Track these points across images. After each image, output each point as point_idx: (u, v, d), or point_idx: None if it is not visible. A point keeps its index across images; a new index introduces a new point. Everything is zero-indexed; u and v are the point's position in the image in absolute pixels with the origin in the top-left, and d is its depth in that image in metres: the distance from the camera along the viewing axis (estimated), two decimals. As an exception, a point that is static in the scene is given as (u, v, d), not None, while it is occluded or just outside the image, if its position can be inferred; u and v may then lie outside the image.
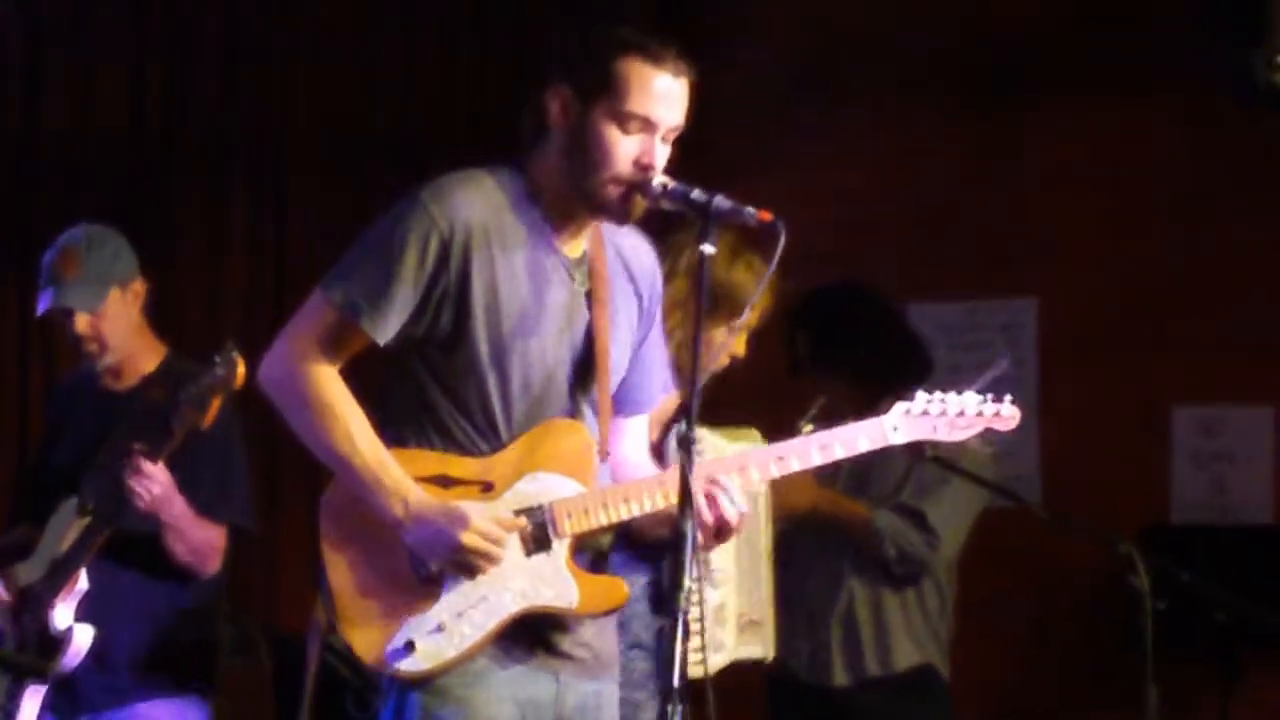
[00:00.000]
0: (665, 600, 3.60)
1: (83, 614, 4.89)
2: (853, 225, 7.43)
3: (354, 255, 3.75)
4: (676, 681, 3.37)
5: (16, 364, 7.81)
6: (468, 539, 3.66)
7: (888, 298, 5.77)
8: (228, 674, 5.51)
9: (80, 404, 5.21)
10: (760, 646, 4.72)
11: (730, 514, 3.75)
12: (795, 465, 3.87)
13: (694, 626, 4.13)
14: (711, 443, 4.39)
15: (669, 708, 3.36)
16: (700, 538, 3.70)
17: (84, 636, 4.86)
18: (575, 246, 3.82)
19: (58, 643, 4.84)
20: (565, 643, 3.81)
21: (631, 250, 3.92)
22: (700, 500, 3.69)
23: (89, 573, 4.89)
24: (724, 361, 4.61)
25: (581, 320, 3.82)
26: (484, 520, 3.67)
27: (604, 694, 3.89)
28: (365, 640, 3.72)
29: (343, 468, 3.71)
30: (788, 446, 3.88)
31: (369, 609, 3.72)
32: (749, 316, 4.51)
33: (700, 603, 4.24)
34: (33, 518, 5.10)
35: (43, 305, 5.12)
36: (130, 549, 4.93)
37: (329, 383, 3.71)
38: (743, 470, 3.82)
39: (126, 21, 7.83)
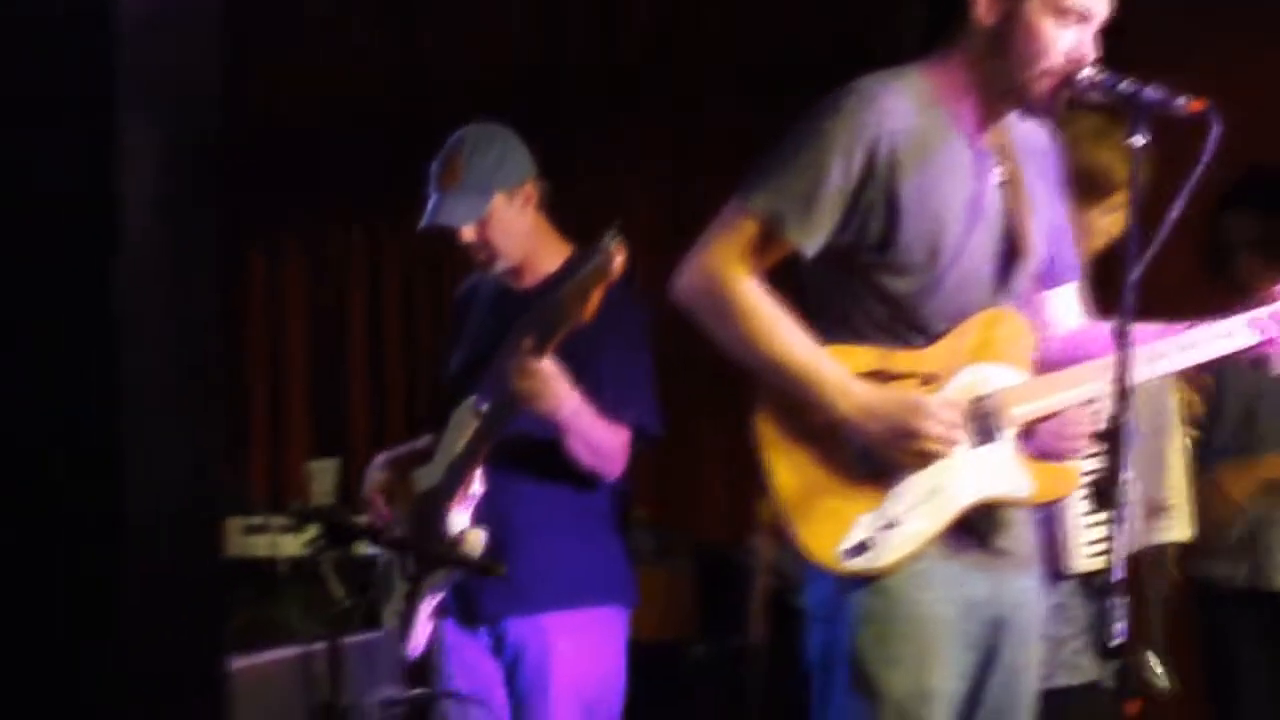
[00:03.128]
0: (1105, 494, 3.53)
1: (479, 518, 4.63)
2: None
3: (774, 163, 3.68)
4: (1117, 575, 3.33)
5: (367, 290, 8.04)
6: (928, 425, 3.63)
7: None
8: (651, 581, 5.52)
9: (480, 306, 5.00)
10: (1176, 529, 4.60)
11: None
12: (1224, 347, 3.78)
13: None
14: None
15: (1110, 602, 3.33)
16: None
17: (476, 540, 4.58)
18: (990, 139, 3.78)
19: (451, 547, 4.56)
20: (1001, 538, 3.77)
21: (1031, 132, 3.86)
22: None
23: (490, 477, 4.66)
24: (1099, 245, 4.52)
25: (1001, 210, 3.78)
26: (941, 406, 3.66)
27: (1031, 590, 3.85)
28: (815, 540, 3.70)
29: (778, 372, 3.68)
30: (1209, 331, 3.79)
31: (817, 508, 3.70)
32: (1122, 196, 4.39)
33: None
34: (437, 424, 4.90)
35: (424, 219, 4.86)
36: (530, 452, 4.70)
37: (752, 290, 3.66)
38: (1156, 360, 3.76)
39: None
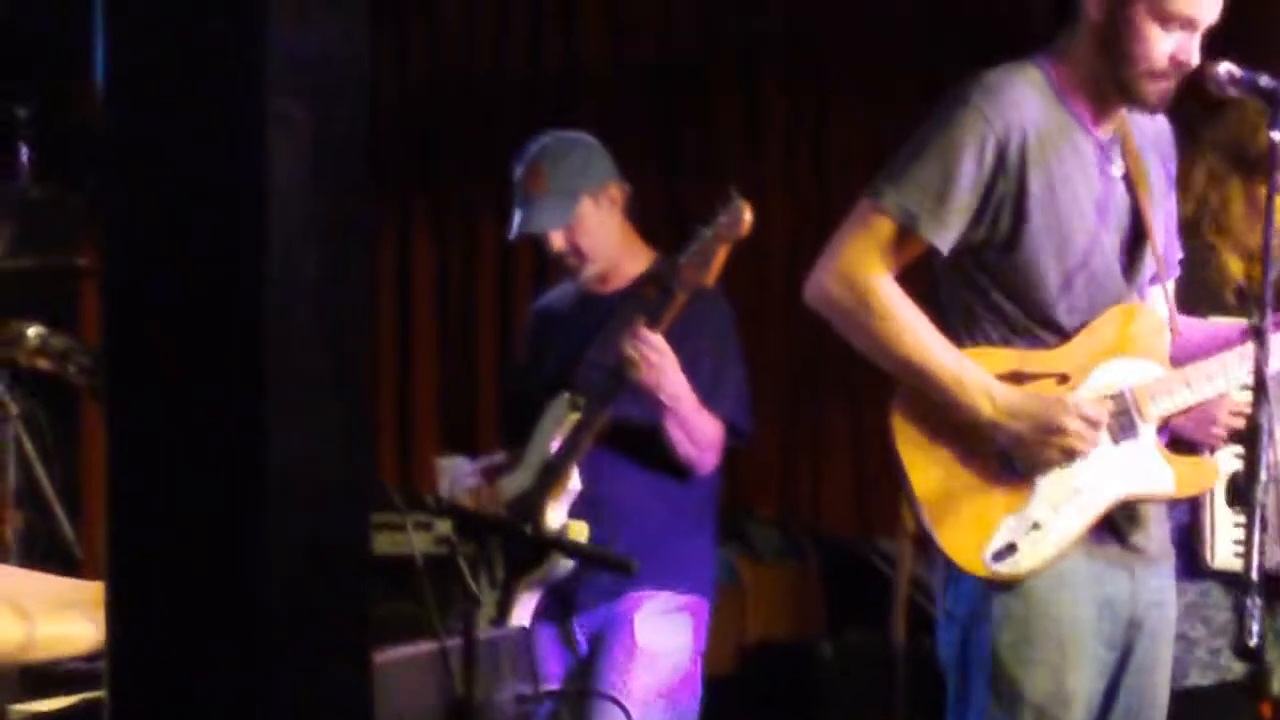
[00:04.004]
0: (1241, 492, 3.50)
1: (575, 510, 4.67)
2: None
3: (905, 161, 3.67)
4: (1255, 574, 3.30)
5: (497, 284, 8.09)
6: (1071, 421, 3.61)
7: None
8: (777, 579, 5.53)
9: (563, 317, 5.01)
10: None
11: None
12: None
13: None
14: None
15: (1248, 600, 3.30)
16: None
17: (579, 531, 4.63)
18: (1108, 130, 3.76)
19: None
20: (1136, 535, 3.75)
21: (1148, 122, 3.84)
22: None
23: (583, 472, 4.69)
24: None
25: (1125, 203, 3.76)
26: (1083, 403, 3.65)
27: (1167, 588, 3.82)
28: (959, 543, 3.67)
29: (917, 374, 3.66)
30: None
31: (959, 511, 3.67)
32: None
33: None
34: (521, 433, 4.91)
35: (513, 228, 4.93)
36: (627, 441, 4.74)
37: (889, 290, 3.65)
38: None
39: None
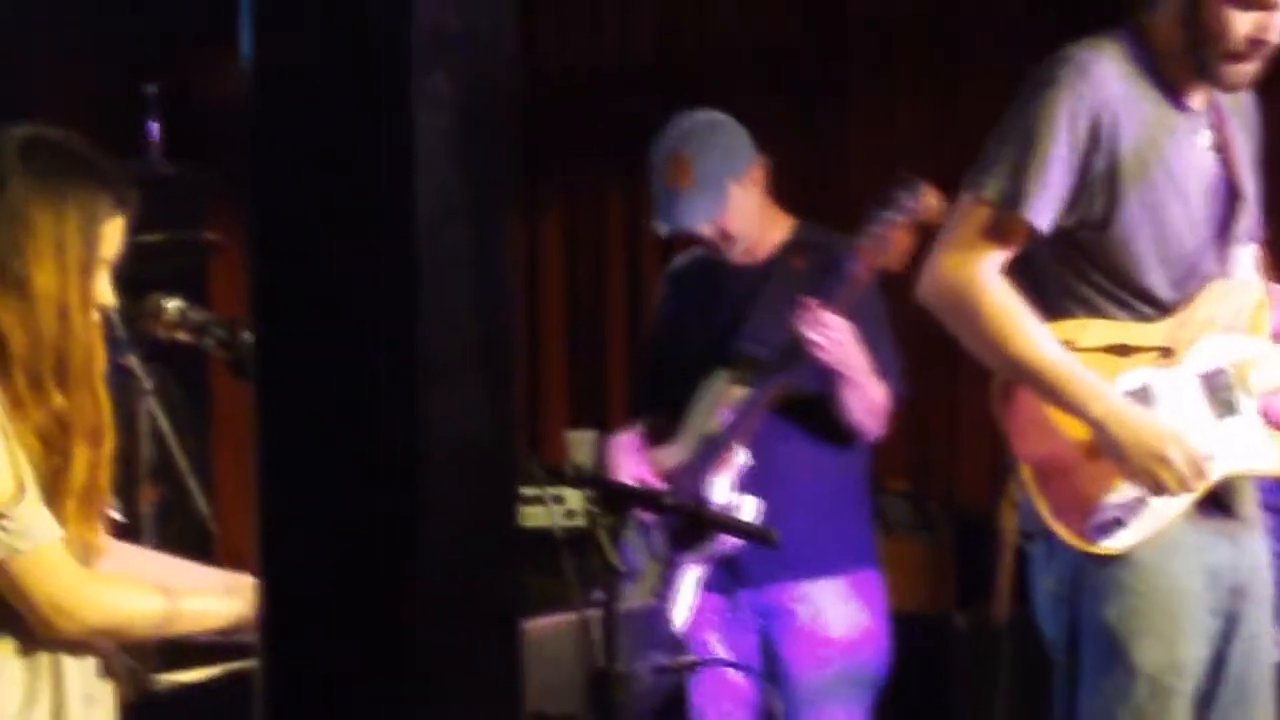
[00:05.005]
0: None
1: (743, 488, 4.66)
2: None
3: (996, 147, 3.67)
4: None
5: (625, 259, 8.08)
6: (1176, 457, 3.58)
7: None
8: (910, 552, 5.52)
9: (703, 286, 4.98)
10: None
11: None
12: None
13: None
14: None
15: None
16: None
17: (751, 507, 4.62)
18: (1196, 101, 3.73)
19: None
20: (1240, 505, 3.74)
21: (1234, 95, 3.80)
22: None
23: (749, 446, 4.68)
24: None
25: (1217, 175, 3.73)
26: (1193, 451, 3.60)
27: (1261, 553, 3.81)
28: (1064, 518, 3.68)
29: (1026, 373, 3.64)
30: None
31: (1064, 485, 3.68)
32: None
33: None
34: (662, 405, 4.93)
35: (662, 226, 4.89)
36: (795, 413, 4.72)
37: (997, 289, 3.63)
38: None
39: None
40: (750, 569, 4.73)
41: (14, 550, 2.94)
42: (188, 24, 7.91)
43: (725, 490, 4.65)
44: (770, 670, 4.77)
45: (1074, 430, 3.66)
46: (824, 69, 7.83)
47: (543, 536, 3.07)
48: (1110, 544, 3.63)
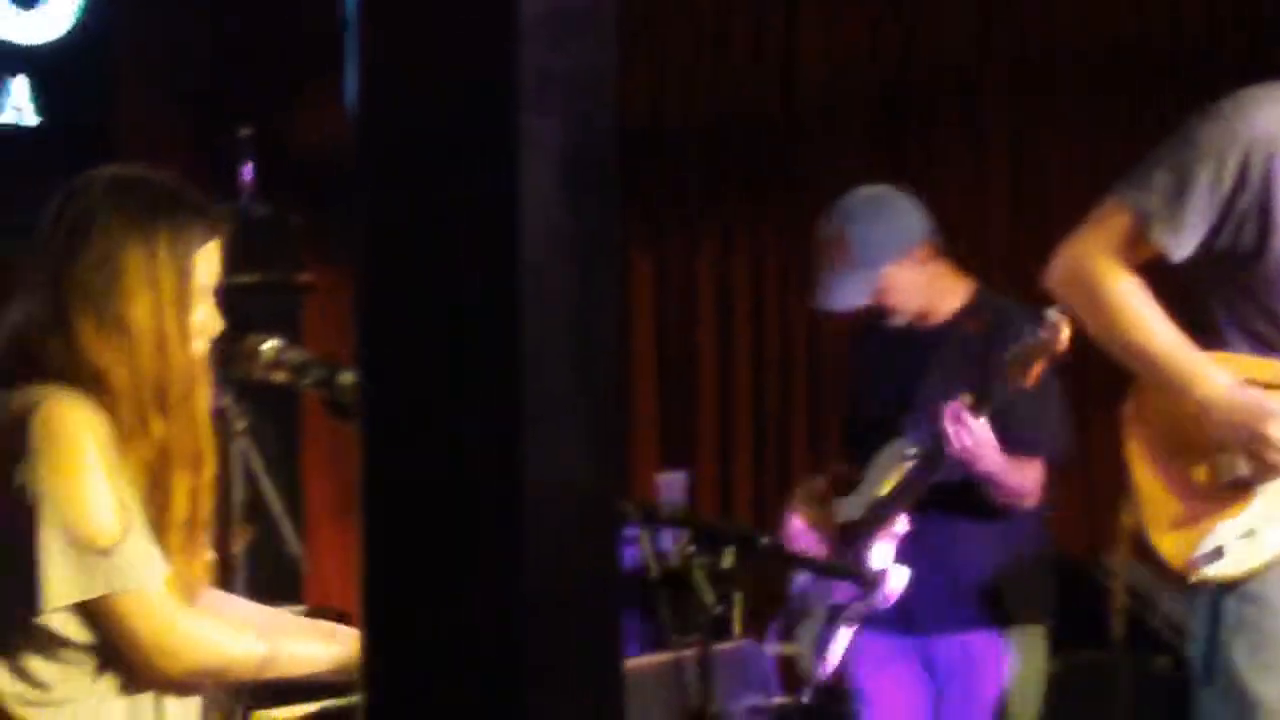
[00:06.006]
0: None
1: (905, 554, 4.90)
2: None
3: (1151, 165, 3.73)
4: None
5: (715, 299, 8.08)
6: (1274, 432, 3.62)
7: None
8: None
9: (885, 346, 5.14)
10: None
11: None
12: None
13: None
14: None
15: None
16: None
17: (898, 579, 4.85)
18: None
19: (874, 580, 4.81)
20: None
21: None
22: None
23: (917, 515, 4.90)
24: None
25: None
26: None
27: None
28: (1172, 543, 3.74)
29: (1145, 363, 3.73)
30: None
31: (1177, 513, 3.73)
32: None
33: None
34: (853, 459, 5.16)
35: (818, 296, 5.08)
36: (955, 494, 4.91)
37: (1123, 284, 3.73)
38: None
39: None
40: (921, 618, 4.96)
41: (119, 589, 2.96)
42: (282, 68, 7.98)
43: (884, 553, 4.87)
44: (937, 712, 5.03)
45: (1195, 462, 3.70)
46: (916, 104, 7.84)
47: (635, 576, 3.08)
48: (1211, 571, 3.69)
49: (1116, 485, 3.96)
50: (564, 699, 1.79)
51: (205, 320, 3.13)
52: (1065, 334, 4.53)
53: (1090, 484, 7.26)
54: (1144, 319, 3.70)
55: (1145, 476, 3.77)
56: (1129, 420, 3.80)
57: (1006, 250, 7.31)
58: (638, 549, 3.10)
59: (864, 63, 7.94)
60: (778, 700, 3.87)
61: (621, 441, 1.82)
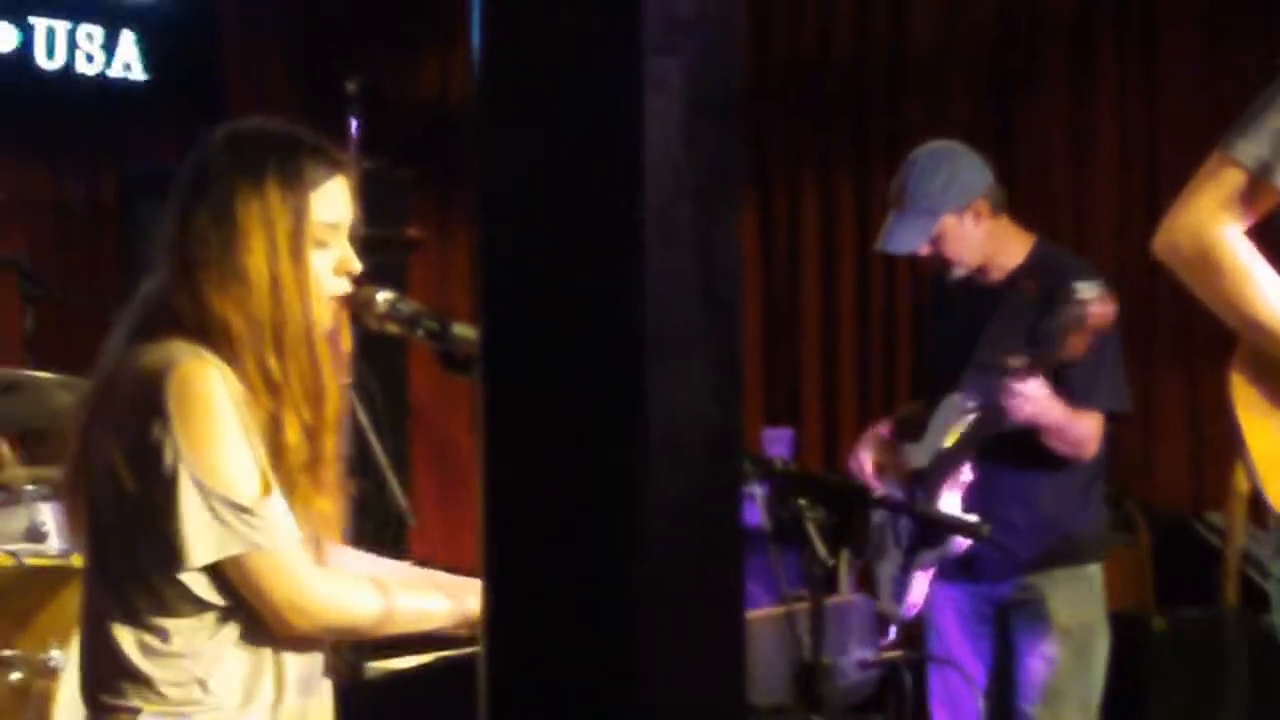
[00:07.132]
0: None
1: (970, 503, 5.01)
2: None
3: (1258, 112, 3.63)
4: None
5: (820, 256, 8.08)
6: None
7: None
8: (1109, 553, 5.52)
9: (950, 298, 5.24)
10: None
11: None
12: None
13: None
14: None
15: None
16: None
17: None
18: None
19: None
20: None
21: None
22: None
23: (980, 465, 5.01)
24: None
25: None
26: None
27: None
28: None
29: (1255, 326, 3.65)
30: None
31: None
32: None
33: None
34: (924, 398, 5.31)
35: (879, 241, 5.21)
36: (1010, 446, 4.98)
37: (1239, 247, 3.62)
38: None
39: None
40: (987, 566, 5.08)
41: (255, 546, 2.97)
42: (388, 21, 7.99)
43: (953, 504, 5.00)
44: (1004, 657, 5.13)
45: None
46: (1022, 58, 7.80)
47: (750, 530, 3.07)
48: None
49: (1222, 443, 3.91)
50: (683, 641, 1.79)
51: (341, 259, 3.14)
52: (1100, 309, 4.64)
53: (1196, 442, 7.22)
54: (1262, 290, 3.62)
55: (1257, 434, 3.70)
56: (1236, 376, 3.73)
57: (1114, 213, 7.24)
58: (751, 502, 3.08)
59: (972, 18, 7.90)
60: (890, 653, 3.87)
61: (742, 383, 1.80)
